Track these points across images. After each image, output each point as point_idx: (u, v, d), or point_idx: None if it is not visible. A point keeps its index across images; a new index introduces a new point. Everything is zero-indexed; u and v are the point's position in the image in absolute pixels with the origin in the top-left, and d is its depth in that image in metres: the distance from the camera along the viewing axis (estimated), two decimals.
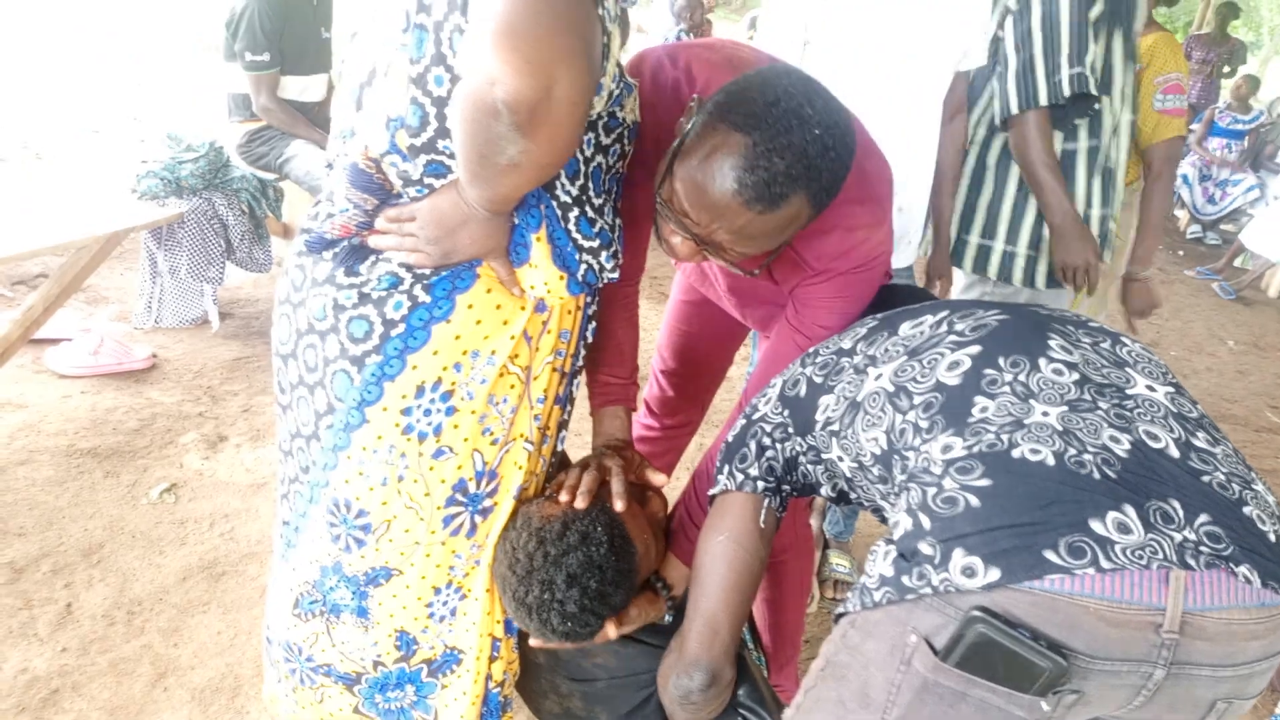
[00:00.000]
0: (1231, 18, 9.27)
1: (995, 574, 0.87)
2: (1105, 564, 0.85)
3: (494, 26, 0.92)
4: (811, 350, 1.29)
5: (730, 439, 1.30)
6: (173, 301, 3.34)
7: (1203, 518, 0.89)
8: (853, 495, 1.21)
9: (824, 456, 1.20)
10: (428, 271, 1.19)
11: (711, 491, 1.31)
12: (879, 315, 1.27)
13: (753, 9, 8.66)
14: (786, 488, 1.27)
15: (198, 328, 3.39)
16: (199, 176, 3.22)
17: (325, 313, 1.22)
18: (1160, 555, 0.85)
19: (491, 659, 1.43)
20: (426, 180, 1.15)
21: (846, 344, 1.24)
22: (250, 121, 3.50)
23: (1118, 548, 0.86)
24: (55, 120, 5.46)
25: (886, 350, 1.16)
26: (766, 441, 1.25)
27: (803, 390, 1.24)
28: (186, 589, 2.16)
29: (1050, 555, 0.86)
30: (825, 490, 1.24)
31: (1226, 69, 9.17)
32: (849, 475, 1.16)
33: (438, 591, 1.36)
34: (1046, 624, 0.87)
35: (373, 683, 1.43)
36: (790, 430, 1.24)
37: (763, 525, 1.26)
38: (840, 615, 1.03)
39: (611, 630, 1.33)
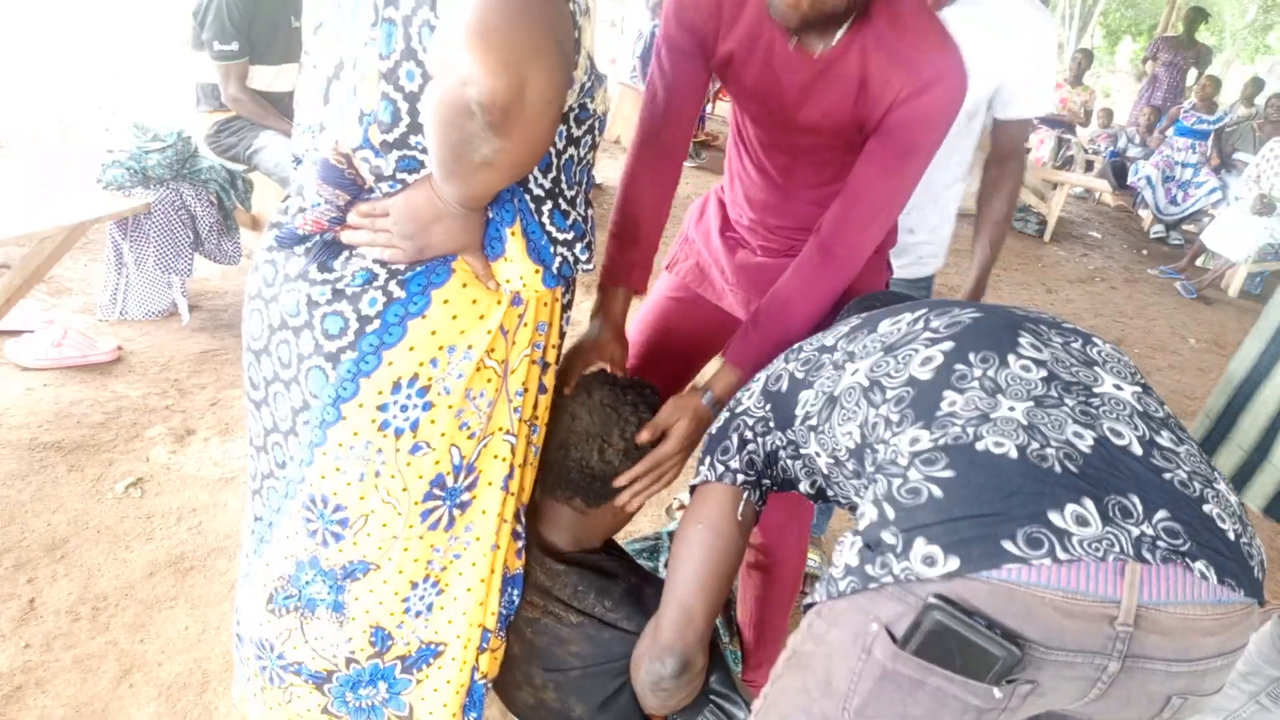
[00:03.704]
0: (1200, 22, 9.43)
1: (954, 563, 0.89)
2: (1062, 555, 0.87)
3: (466, 25, 0.91)
4: (795, 346, 1.31)
5: (714, 430, 1.32)
6: (139, 293, 3.29)
7: (1161, 513, 0.90)
8: (830, 492, 1.22)
9: (802, 451, 1.21)
10: (402, 267, 1.19)
11: (692, 482, 1.33)
12: (863, 314, 1.29)
13: None
14: (766, 482, 1.28)
15: (164, 320, 3.34)
16: (166, 167, 3.17)
17: (299, 309, 1.21)
18: (1117, 548, 0.87)
19: (480, 650, 1.43)
20: (399, 175, 1.15)
21: (829, 341, 1.25)
22: (219, 111, 3.46)
23: (1075, 539, 0.87)
24: (18, 108, 5.35)
25: (865, 346, 1.18)
26: (748, 435, 1.27)
27: (784, 385, 1.25)
28: (153, 584, 2.13)
29: (1008, 545, 0.88)
30: (804, 486, 1.26)
31: (1193, 71, 9.33)
32: (826, 471, 1.18)
33: (415, 586, 1.36)
34: (1003, 613, 0.88)
35: (344, 680, 1.42)
36: (771, 424, 1.25)
37: (740, 518, 1.27)
38: (808, 606, 1.05)
39: (645, 434, 1.48)
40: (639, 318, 1.95)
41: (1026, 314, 1.17)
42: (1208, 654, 0.90)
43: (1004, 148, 2.09)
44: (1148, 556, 0.87)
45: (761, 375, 1.31)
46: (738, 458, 1.27)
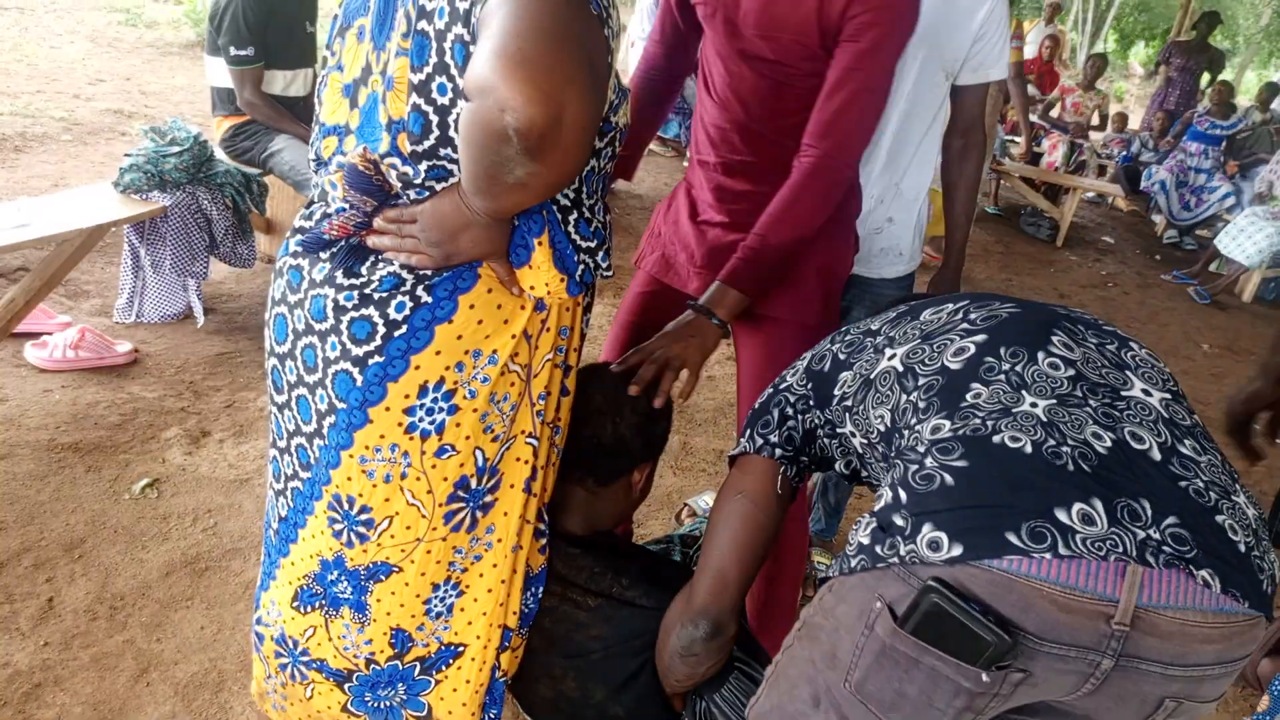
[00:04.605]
0: (1213, 26, 9.38)
1: (958, 550, 0.91)
2: (1063, 551, 0.88)
3: (505, 52, 0.92)
4: (843, 329, 1.33)
5: (757, 405, 1.35)
6: (155, 296, 3.32)
7: (1170, 519, 0.91)
8: (864, 473, 1.25)
9: (839, 431, 1.24)
10: (429, 272, 1.20)
11: (731, 453, 1.36)
12: (911, 302, 1.31)
13: None
14: (804, 459, 1.31)
15: (180, 323, 3.38)
16: (183, 170, 3.20)
17: (325, 314, 1.23)
18: (1120, 549, 0.88)
19: (500, 649, 1.44)
20: (428, 183, 1.16)
21: (875, 325, 1.28)
22: (234, 116, 3.49)
23: (1078, 537, 0.89)
24: (37, 112, 5.40)
25: (905, 333, 1.20)
26: (789, 411, 1.30)
27: (827, 365, 1.28)
28: (169, 584, 2.15)
29: (1011, 537, 0.90)
30: (839, 465, 1.29)
31: (1206, 76, 9.28)
32: (860, 451, 1.20)
33: (436, 588, 1.37)
34: (1000, 602, 0.90)
35: (363, 680, 1.43)
36: (811, 403, 1.28)
37: (779, 491, 1.30)
38: (823, 580, 1.08)
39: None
40: (616, 316, 1.98)
41: (1068, 313, 1.18)
42: (1205, 661, 0.91)
43: (969, 116, 2.07)
44: (1151, 560, 0.88)
45: (806, 355, 1.34)
46: (777, 432, 1.29)
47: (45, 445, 2.56)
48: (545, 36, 0.93)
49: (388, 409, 1.23)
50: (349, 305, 1.21)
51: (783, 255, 1.58)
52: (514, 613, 1.43)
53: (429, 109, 1.11)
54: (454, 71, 1.08)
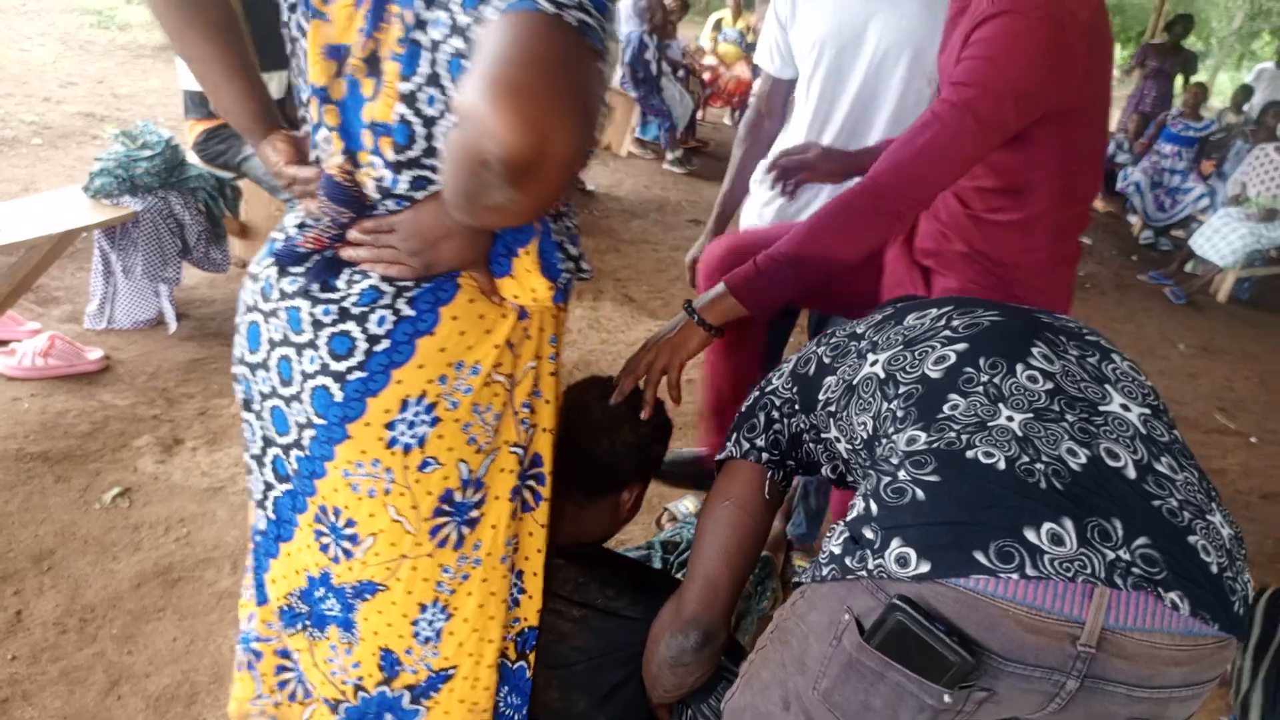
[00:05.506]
0: (1186, 29, 9.48)
1: (925, 567, 0.91)
2: (1031, 571, 0.87)
3: (495, 80, 0.90)
4: (827, 331, 1.32)
5: (743, 408, 1.35)
6: (126, 302, 3.28)
7: (1141, 540, 0.90)
8: (850, 478, 1.24)
9: (823, 436, 1.23)
10: (410, 284, 1.18)
11: (718, 457, 1.35)
12: (896, 304, 1.30)
13: (716, 11, 8.72)
14: (791, 463, 1.30)
15: (152, 329, 3.33)
16: (154, 174, 3.15)
17: (302, 327, 1.19)
18: (1088, 570, 0.88)
19: (526, 650, 1.41)
20: (409, 193, 1.14)
21: (860, 329, 1.27)
22: (207, 120, 3.44)
23: (1046, 558, 0.88)
24: (6, 116, 5.33)
25: (888, 338, 1.19)
26: (775, 415, 1.29)
27: (812, 369, 1.28)
28: (141, 595, 2.12)
29: (979, 556, 0.89)
30: (825, 470, 1.28)
31: (1179, 78, 9.38)
32: (845, 457, 1.20)
33: (424, 609, 1.33)
34: (966, 621, 0.90)
35: (351, 711, 1.39)
36: (796, 407, 1.28)
37: (767, 495, 1.29)
38: (796, 584, 1.08)
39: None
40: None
41: (1050, 321, 1.16)
42: (1172, 683, 0.91)
43: None
44: (1119, 582, 0.87)
45: (792, 357, 1.34)
46: (763, 436, 1.29)
47: (13, 455, 2.51)
48: (539, 66, 0.91)
49: (368, 424, 1.20)
50: (327, 320, 1.18)
51: (796, 271, 1.46)
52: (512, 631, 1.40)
53: (415, 120, 1.08)
54: (445, 83, 1.06)
